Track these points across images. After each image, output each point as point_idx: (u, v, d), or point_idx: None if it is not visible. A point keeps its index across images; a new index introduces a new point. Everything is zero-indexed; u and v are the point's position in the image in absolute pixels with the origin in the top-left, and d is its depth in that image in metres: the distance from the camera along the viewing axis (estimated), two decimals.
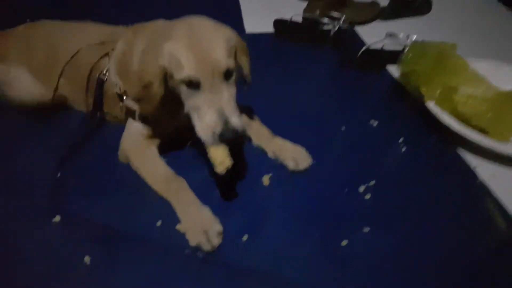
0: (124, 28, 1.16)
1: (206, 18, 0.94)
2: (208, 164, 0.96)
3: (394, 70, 1.52)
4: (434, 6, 2.00)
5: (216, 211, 0.94)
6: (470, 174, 1.12)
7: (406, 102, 1.37)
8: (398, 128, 1.26)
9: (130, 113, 1.07)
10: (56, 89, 1.17)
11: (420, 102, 1.28)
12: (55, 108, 1.22)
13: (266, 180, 1.06)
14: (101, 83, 1.09)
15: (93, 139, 1.16)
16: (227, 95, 0.88)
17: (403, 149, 1.18)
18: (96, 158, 1.10)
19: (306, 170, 1.08)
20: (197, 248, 0.89)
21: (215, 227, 0.91)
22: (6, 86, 1.19)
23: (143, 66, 0.92)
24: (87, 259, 0.86)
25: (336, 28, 1.65)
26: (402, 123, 1.28)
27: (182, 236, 0.91)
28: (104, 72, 1.08)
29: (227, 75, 0.88)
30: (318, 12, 1.70)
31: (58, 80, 1.15)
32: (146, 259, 0.87)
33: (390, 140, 1.21)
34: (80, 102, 1.19)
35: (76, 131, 1.18)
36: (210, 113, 0.86)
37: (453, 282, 0.86)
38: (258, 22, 1.77)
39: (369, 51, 1.55)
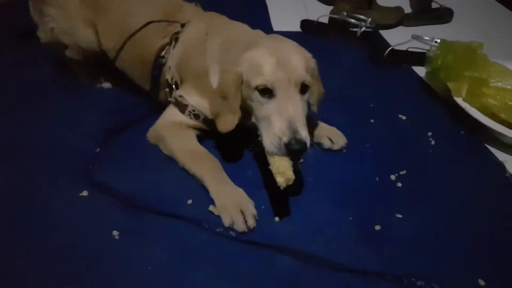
0: (192, 8, 1.16)
1: (286, 41, 0.97)
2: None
3: (419, 70, 1.54)
4: (455, 14, 2.02)
5: (247, 192, 0.95)
6: (498, 168, 1.12)
7: (433, 99, 1.39)
8: (426, 123, 1.27)
9: (180, 106, 1.06)
10: (119, 50, 1.17)
11: (448, 98, 1.29)
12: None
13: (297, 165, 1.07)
14: (158, 66, 1.10)
15: (129, 116, 1.18)
16: (300, 107, 0.87)
17: (432, 143, 1.19)
18: (130, 136, 1.13)
19: (341, 150, 1.11)
20: (230, 228, 0.89)
21: (251, 208, 0.91)
22: (68, 35, 1.20)
23: (222, 80, 0.93)
24: (115, 233, 0.87)
25: (362, 30, 1.69)
26: (430, 118, 1.30)
27: (213, 216, 0.92)
28: (163, 54, 1.09)
29: (303, 88, 0.89)
30: (345, 13, 1.74)
31: (124, 44, 1.15)
32: (176, 235, 0.88)
33: (419, 134, 1.22)
34: (135, 74, 1.20)
35: (113, 107, 1.22)
36: (280, 122, 0.85)
37: (481, 266, 0.87)
38: (285, 21, 1.81)
39: (395, 52, 1.57)
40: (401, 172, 1.07)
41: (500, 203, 1.02)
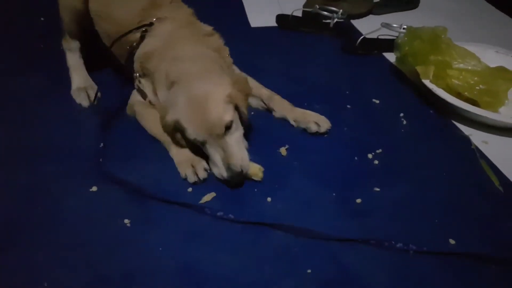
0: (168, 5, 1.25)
1: (204, 81, 1.06)
2: None
3: (389, 56, 1.65)
4: (421, 1, 2.13)
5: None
6: (465, 141, 1.24)
7: (403, 82, 1.50)
8: (398, 105, 1.38)
9: (142, 93, 1.21)
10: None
11: (417, 81, 1.40)
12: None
13: (283, 151, 1.17)
14: (131, 55, 1.22)
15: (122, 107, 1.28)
16: (230, 142, 1.03)
17: (404, 122, 1.31)
18: (130, 127, 1.23)
19: (326, 132, 1.23)
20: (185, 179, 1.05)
21: (202, 163, 1.08)
22: None
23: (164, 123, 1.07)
24: (127, 221, 0.96)
25: (335, 21, 1.78)
26: (401, 100, 1.41)
27: (212, 202, 1.02)
28: (134, 45, 1.21)
29: (227, 129, 1.03)
30: (317, 6, 1.83)
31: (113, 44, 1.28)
32: (181, 220, 0.97)
33: (392, 115, 1.34)
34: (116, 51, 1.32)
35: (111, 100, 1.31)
36: (218, 161, 1.03)
37: (451, 227, 0.98)
38: (261, 17, 1.89)
39: (366, 40, 1.68)
40: (377, 151, 1.18)
41: (466, 172, 1.14)
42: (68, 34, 1.39)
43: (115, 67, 1.41)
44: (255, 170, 1.06)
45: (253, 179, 1.06)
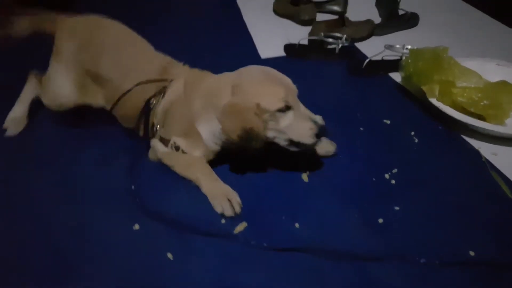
0: (179, 66, 1.30)
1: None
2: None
3: (395, 75, 1.74)
4: (421, 18, 2.23)
5: (268, 204, 1.16)
6: (475, 154, 1.32)
7: (411, 101, 1.58)
8: (408, 123, 1.46)
9: (164, 141, 1.24)
10: (112, 107, 1.31)
11: (423, 100, 1.49)
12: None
13: (305, 177, 1.25)
14: (148, 109, 1.25)
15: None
16: (303, 107, 1.15)
17: (416, 140, 1.39)
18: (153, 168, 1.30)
19: (334, 155, 1.31)
20: (223, 215, 1.12)
21: (236, 197, 1.14)
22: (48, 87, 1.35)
23: (242, 117, 1.09)
24: (170, 255, 1.04)
25: (340, 46, 1.88)
26: (411, 118, 1.49)
27: (245, 231, 1.09)
28: (152, 101, 1.24)
29: None
30: (322, 34, 1.93)
31: (117, 101, 1.29)
32: (218, 249, 1.05)
33: (403, 134, 1.42)
34: (127, 120, 1.34)
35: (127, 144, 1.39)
36: (306, 122, 1.12)
37: (470, 239, 1.05)
38: (270, 48, 2.00)
39: (372, 62, 1.77)
40: (393, 171, 1.26)
41: (479, 184, 1.21)
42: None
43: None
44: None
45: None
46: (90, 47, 1.30)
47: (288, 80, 1.16)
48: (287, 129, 1.13)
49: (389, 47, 1.83)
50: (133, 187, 1.23)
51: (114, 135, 1.41)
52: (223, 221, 1.13)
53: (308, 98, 1.63)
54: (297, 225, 1.11)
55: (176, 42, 2.10)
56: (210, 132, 1.18)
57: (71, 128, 1.48)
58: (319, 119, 1.14)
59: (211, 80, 1.22)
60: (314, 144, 1.15)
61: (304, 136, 1.13)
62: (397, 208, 1.14)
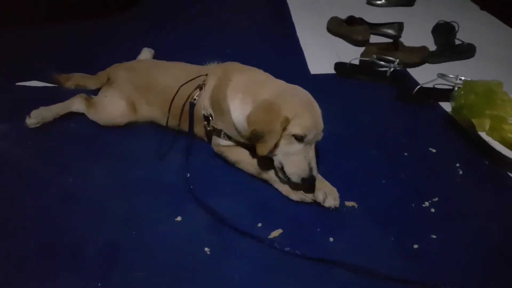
0: (208, 67, 1.47)
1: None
2: None
3: (445, 105, 1.73)
4: (477, 50, 2.20)
5: (305, 215, 1.19)
6: None
7: (459, 132, 1.57)
8: (454, 154, 1.46)
9: (216, 131, 1.36)
10: (168, 114, 1.45)
11: (472, 132, 1.48)
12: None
13: (349, 204, 1.25)
14: (192, 106, 1.40)
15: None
16: (313, 152, 1.20)
17: (460, 172, 1.37)
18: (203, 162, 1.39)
19: (331, 208, 1.21)
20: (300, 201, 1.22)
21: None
22: (102, 107, 1.54)
23: (268, 118, 1.17)
24: (207, 249, 1.09)
25: (392, 69, 1.90)
26: (457, 150, 1.48)
27: (280, 237, 1.13)
28: (195, 97, 1.39)
29: None
30: (374, 56, 1.95)
31: (170, 107, 1.43)
32: (254, 251, 1.09)
33: (448, 165, 1.41)
34: (174, 122, 1.46)
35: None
36: (303, 162, 1.17)
37: (504, 276, 1.05)
38: (320, 65, 2.04)
39: (422, 89, 1.77)
40: (434, 199, 1.26)
41: None
42: None
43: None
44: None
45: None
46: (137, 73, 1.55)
47: (321, 122, 1.21)
48: (286, 155, 1.19)
49: (442, 76, 1.83)
50: (188, 174, 1.31)
51: (169, 135, 1.49)
52: (259, 224, 1.16)
53: (354, 118, 1.68)
54: (331, 239, 1.13)
55: (232, 51, 2.20)
56: (240, 113, 1.26)
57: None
58: (314, 170, 1.18)
59: (263, 75, 1.35)
60: (296, 183, 1.20)
61: (293, 171, 1.19)
62: (434, 236, 1.14)
